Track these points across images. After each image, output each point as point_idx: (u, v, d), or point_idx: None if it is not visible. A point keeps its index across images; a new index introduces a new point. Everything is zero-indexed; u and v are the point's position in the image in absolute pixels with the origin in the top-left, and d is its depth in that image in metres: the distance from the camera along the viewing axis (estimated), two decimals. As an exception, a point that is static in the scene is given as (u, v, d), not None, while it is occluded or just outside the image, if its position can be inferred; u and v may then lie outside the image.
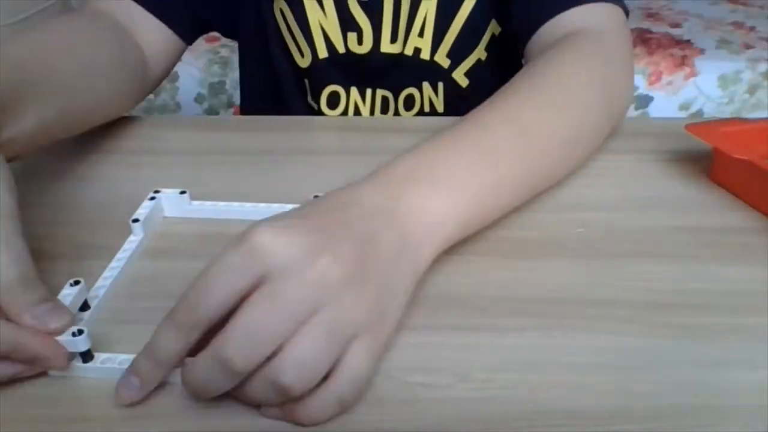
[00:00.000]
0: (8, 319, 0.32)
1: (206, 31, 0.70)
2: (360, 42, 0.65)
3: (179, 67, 1.43)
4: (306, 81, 0.69)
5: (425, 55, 0.66)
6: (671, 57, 1.51)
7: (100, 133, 0.57)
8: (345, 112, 0.70)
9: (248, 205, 0.45)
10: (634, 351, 0.35)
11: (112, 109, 0.57)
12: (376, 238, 0.33)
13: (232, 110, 1.53)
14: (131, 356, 0.32)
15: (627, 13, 0.59)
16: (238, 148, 0.56)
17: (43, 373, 0.33)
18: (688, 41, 1.57)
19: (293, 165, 0.53)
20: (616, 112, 0.54)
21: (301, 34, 0.66)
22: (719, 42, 1.57)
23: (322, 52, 0.66)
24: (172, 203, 0.45)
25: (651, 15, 1.73)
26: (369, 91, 0.69)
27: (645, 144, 0.55)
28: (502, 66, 0.69)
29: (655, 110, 1.51)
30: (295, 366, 0.29)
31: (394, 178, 0.37)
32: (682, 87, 1.51)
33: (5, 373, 0.32)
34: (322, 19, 0.65)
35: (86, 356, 0.33)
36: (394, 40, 0.66)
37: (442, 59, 0.66)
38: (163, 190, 0.45)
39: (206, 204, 0.46)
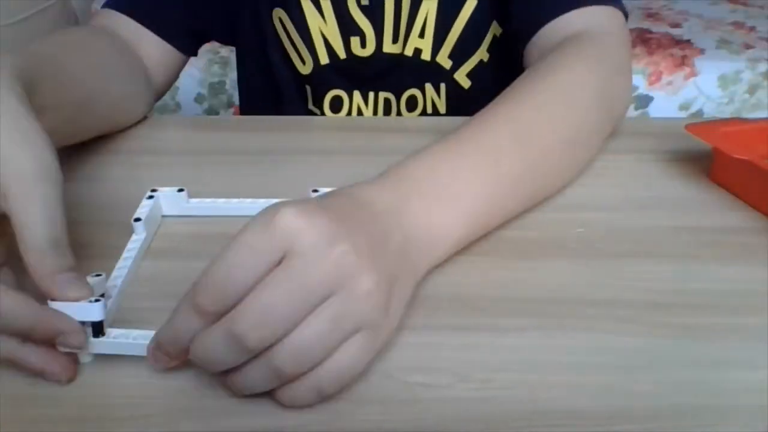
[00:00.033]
0: (32, 291, 0.32)
1: (206, 41, 0.71)
2: (363, 45, 0.66)
3: (179, 67, 1.43)
4: (308, 87, 0.70)
5: (426, 56, 0.66)
6: (671, 57, 1.51)
7: (100, 133, 0.57)
8: (348, 116, 0.70)
9: (247, 201, 0.45)
10: (634, 351, 0.35)
11: (122, 117, 0.58)
12: (385, 237, 0.34)
13: (232, 110, 1.54)
14: (145, 332, 0.32)
15: (626, 15, 0.59)
16: (238, 147, 0.56)
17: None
18: (688, 41, 1.57)
19: (293, 165, 0.53)
20: (616, 115, 0.54)
21: (301, 42, 0.66)
22: (719, 42, 1.57)
23: (324, 59, 0.67)
24: (170, 201, 0.45)
25: (651, 15, 1.73)
26: (372, 94, 0.69)
27: (645, 144, 0.55)
28: (504, 67, 0.69)
29: (655, 110, 1.50)
30: (293, 352, 0.29)
31: (402, 187, 0.38)
32: (682, 87, 1.51)
33: (30, 361, 0.32)
34: (323, 26, 0.65)
35: (97, 330, 0.33)
36: (395, 40, 0.66)
37: (444, 60, 0.66)
38: (160, 188, 0.46)
39: (204, 201, 0.46)
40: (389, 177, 0.38)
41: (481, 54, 0.67)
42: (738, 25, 1.67)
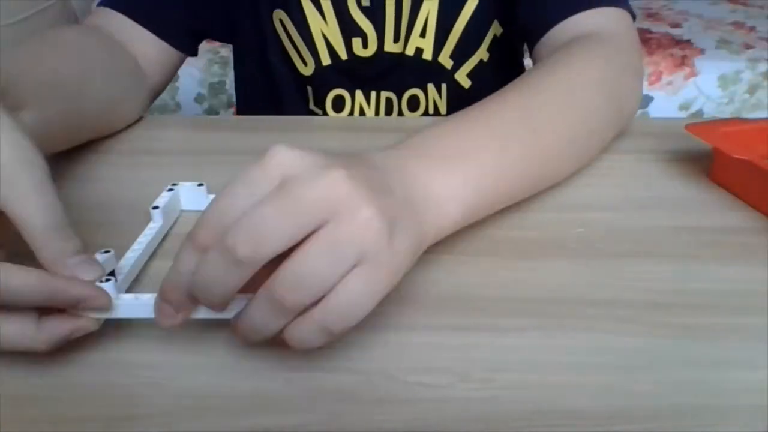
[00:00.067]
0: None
1: (204, 39, 0.71)
2: (365, 46, 0.66)
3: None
4: (309, 88, 0.70)
5: (427, 55, 0.66)
6: (671, 57, 1.51)
7: (100, 133, 0.57)
8: (350, 115, 0.70)
9: None
10: (634, 351, 0.35)
11: (115, 118, 0.58)
12: (387, 185, 0.33)
13: (232, 110, 1.54)
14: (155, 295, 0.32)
15: (634, 16, 0.59)
16: (238, 148, 0.56)
17: (43, 372, 0.33)
18: (688, 41, 1.57)
19: (293, 165, 0.53)
20: (624, 115, 0.54)
21: (302, 43, 0.66)
22: (719, 42, 1.57)
23: (326, 60, 0.67)
24: (189, 196, 0.45)
25: (651, 15, 1.73)
26: (374, 94, 0.69)
27: (645, 144, 0.55)
28: (504, 67, 0.70)
29: (655, 110, 1.51)
30: (291, 280, 0.29)
31: (407, 151, 0.37)
32: (682, 87, 1.51)
33: (57, 332, 0.32)
34: (324, 27, 0.65)
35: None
36: (396, 40, 0.66)
37: (446, 60, 0.66)
38: (181, 182, 0.46)
39: None
40: (394, 146, 0.38)
41: (482, 54, 0.67)
42: (738, 25, 1.67)
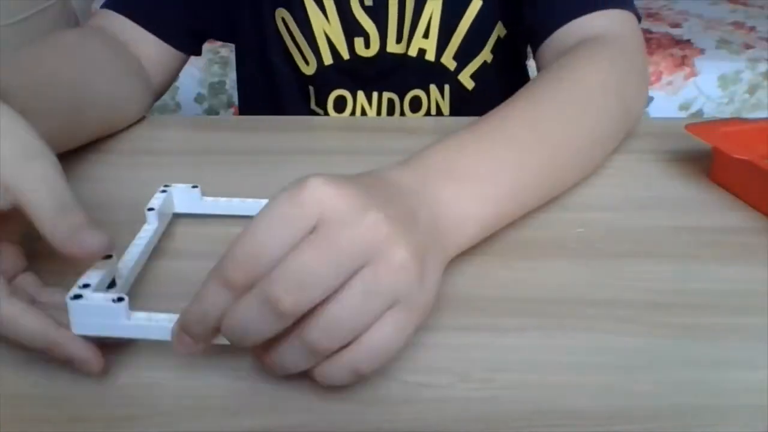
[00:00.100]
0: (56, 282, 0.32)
1: (206, 39, 0.71)
2: (367, 46, 0.66)
3: (179, 67, 1.43)
4: (311, 88, 0.69)
5: (430, 56, 0.66)
6: (671, 57, 1.51)
7: (100, 133, 0.57)
8: (351, 116, 0.70)
9: (264, 201, 0.45)
10: (634, 351, 0.35)
11: (117, 119, 0.58)
12: (413, 212, 0.33)
13: (232, 110, 1.54)
14: (169, 315, 0.32)
15: (639, 18, 0.59)
16: (238, 148, 0.56)
17: (43, 372, 0.33)
18: (688, 41, 1.57)
19: (293, 165, 0.53)
20: (632, 117, 0.54)
21: (305, 42, 0.66)
22: (719, 42, 1.57)
23: (328, 59, 0.67)
24: (183, 198, 0.45)
25: (651, 15, 1.73)
26: (375, 94, 0.69)
27: (645, 144, 0.55)
28: (508, 69, 0.70)
29: (655, 110, 1.51)
30: (327, 326, 0.28)
31: (425, 170, 0.37)
32: (682, 87, 1.51)
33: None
34: (326, 27, 0.65)
35: None
36: (399, 40, 0.66)
37: (449, 61, 0.66)
38: (174, 184, 0.45)
39: (220, 200, 0.45)
40: (411, 162, 0.38)
41: (485, 55, 0.67)
42: (738, 25, 1.67)
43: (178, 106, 1.55)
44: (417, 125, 0.64)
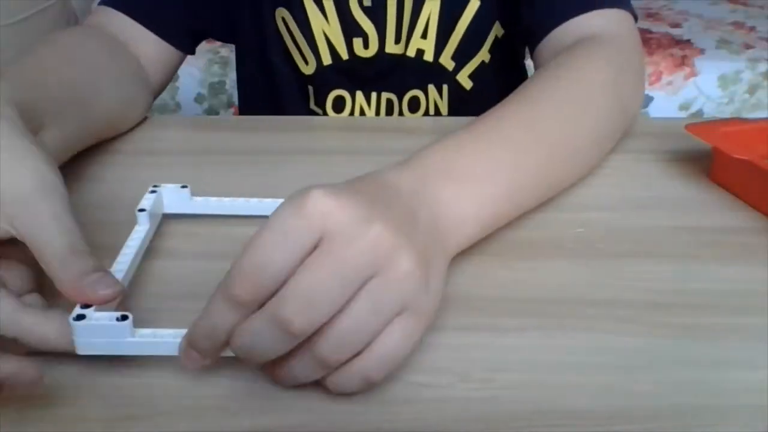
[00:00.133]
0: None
1: (205, 38, 0.71)
2: (366, 46, 0.66)
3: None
4: (310, 87, 0.70)
5: (429, 56, 0.66)
6: (671, 57, 1.51)
7: (100, 133, 0.57)
8: (350, 116, 0.70)
9: (253, 200, 0.45)
10: (634, 351, 0.35)
11: (124, 120, 0.58)
12: (413, 215, 0.33)
13: (232, 110, 1.54)
14: (174, 330, 0.31)
15: (636, 18, 0.60)
16: (238, 147, 0.56)
17: (43, 372, 0.33)
18: (688, 41, 1.57)
19: (293, 165, 0.53)
20: (629, 116, 0.55)
21: (304, 42, 0.66)
22: (719, 42, 1.57)
23: (327, 59, 0.67)
24: (172, 198, 0.45)
25: (651, 15, 1.73)
26: (374, 95, 0.69)
27: (645, 144, 0.55)
28: (505, 69, 0.70)
29: (655, 110, 1.51)
30: (336, 341, 0.29)
31: (424, 171, 0.37)
32: (682, 87, 1.51)
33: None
34: (325, 27, 0.65)
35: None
36: (397, 41, 0.66)
37: (447, 61, 0.66)
38: (163, 184, 0.45)
39: (210, 200, 0.45)
40: (410, 163, 0.38)
41: (483, 55, 0.67)
42: (738, 25, 1.67)
43: (178, 106, 1.55)
44: (416, 125, 0.64)
